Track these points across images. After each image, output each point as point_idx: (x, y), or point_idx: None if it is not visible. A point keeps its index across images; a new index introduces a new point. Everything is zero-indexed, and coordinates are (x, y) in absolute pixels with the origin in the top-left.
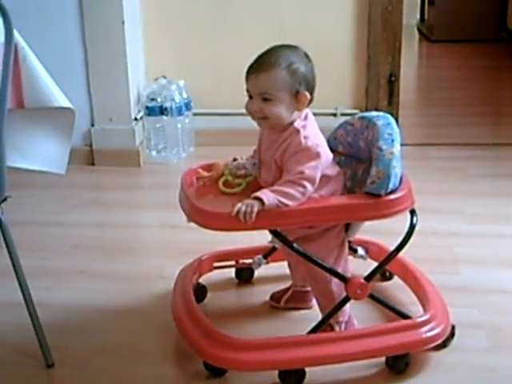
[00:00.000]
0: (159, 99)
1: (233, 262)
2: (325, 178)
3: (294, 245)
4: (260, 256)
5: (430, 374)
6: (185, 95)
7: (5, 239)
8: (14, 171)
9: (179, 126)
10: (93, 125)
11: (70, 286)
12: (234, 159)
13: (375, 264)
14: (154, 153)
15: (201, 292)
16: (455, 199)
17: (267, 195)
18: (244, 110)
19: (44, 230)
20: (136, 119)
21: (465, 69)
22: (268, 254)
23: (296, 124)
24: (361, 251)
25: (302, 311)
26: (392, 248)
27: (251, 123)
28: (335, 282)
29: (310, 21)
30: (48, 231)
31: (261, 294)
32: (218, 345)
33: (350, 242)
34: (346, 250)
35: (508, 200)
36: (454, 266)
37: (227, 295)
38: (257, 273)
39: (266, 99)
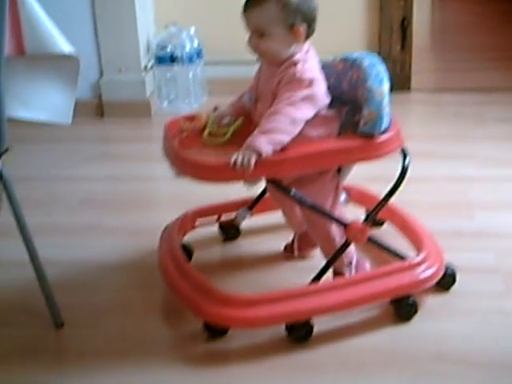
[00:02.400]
0: (169, 48)
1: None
2: (322, 118)
3: (293, 191)
4: (244, 208)
5: (446, 318)
6: (196, 43)
7: (7, 193)
8: (20, 125)
9: (190, 75)
10: (101, 75)
11: (78, 242)
12: (215, 108)
13: (358, 209)
14: (165, 103)
15: (187, 251)
16: (468, 144)
17: (260, 141)
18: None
19: (52, 186)
20: (146, 68)
21: (478, 15)
22: (252, 205)
23: (295, 58)
24: (342, 196)
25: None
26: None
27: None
28: (334, 226)
29: None
30: (56, 186)
31: (248, 247)
32: (219, 303)
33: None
34: (340, 193)
35: None
36: (468, 210)
37: (213, 253)
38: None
39: (261, 34)
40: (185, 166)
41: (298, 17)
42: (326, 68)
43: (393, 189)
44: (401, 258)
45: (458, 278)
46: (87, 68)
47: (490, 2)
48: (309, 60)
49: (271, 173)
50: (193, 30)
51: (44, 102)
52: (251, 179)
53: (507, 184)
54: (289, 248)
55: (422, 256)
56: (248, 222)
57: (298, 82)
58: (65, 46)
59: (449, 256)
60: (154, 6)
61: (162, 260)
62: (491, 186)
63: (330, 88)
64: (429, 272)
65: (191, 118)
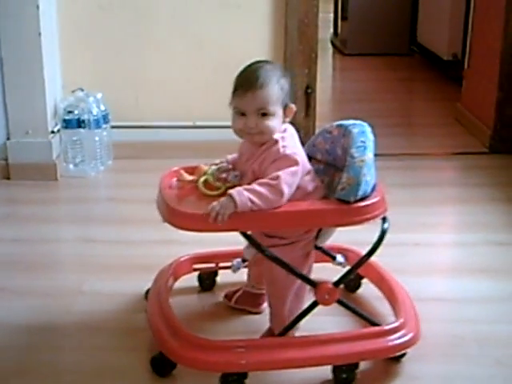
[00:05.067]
0: (76, 112)
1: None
2: (303, 192)
3: (265, 249)
4: (239, 259)
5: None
6: (102, 108)
7: None
8: None
9: (97, 138)
10: (8, 138)
11: None
12: (219, 162)
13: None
14: (71, 166)
15: None
16: None
17: (240, 194)
18: (162, 123)
19: None
20: (53, 132)
21: (378, 81)
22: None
23: (275, 136)
24: (340, 258)
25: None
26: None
27: (169, 136)
28: (292, 293)
29: (227, 34)
30: None
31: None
32: (189, 346)
33: (321, 248)
34: (311, 261)
35: (423, 208)
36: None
37: (190, 300)
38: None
39: (263, 114)
40: (164, 212)
41: (289, 97)
42: (323, 133)
43: (369, 252)
44: (372, 323)
45: None
46: None
47: (389, 69)
48: (287, 137)
49: (244, 227)
50: (100, 95)
51: None
52: (224, 231)
53: (409, 248)
54: (229, 296)
55: (395, 324)
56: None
57: (285, 159)
58: None
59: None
60: (62, 71)
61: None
62: (395, 251)
63: (326, 153)
64: (401, 340)
65: (192, 170)
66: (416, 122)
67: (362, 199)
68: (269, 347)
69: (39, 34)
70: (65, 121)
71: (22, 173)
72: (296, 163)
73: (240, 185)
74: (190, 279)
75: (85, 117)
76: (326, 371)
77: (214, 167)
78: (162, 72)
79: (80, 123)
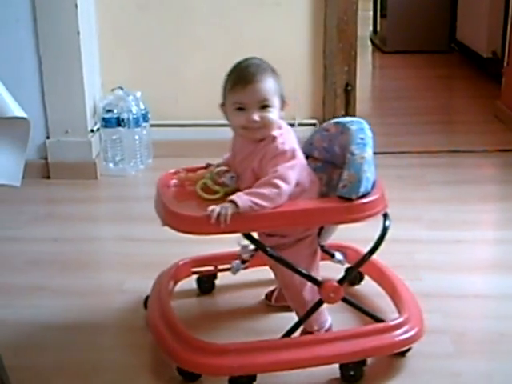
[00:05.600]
0: (116, 110)
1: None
2: (299, 188)
3: (268, 249)
4: (238, 261)
5: (395, 380)
6: (142, 106)
7: None
8: None
9: (136, 137)
10: (48, 137)
11: (25, 303)
12: (218, 165)
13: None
14: (111, 165)
15: None
16: (414, 206)
17: (241, 198)
18: (202, 121)
19: None
20: (92, 131)
21: (417, 79)
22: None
23: (272, 133)
24: (338, 256)
25: (281, 315)
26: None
27: (209, 135)
28: (307, 290)
29: (267, 32)
30: (2, 247)
31: (223, 302)
32: (192, 350)
33: (322, 246)
34: (318, 258)
35: (463, 205)
36: (415, 272)
37: (188, 303)
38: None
39: (265, 106)
40: (164, 215)
41: (282, 90)
42: (321, 131)
43: (371, 250)
44: (376, 319)
45: None
46: (34, 129)
47: (428, 66)
48: (284, 133)
49: (247, 228)
50: (139, 93)
51: None
52: (226, 233)
53: (451, 245)
54: (268, 296)
55: (400, 319)
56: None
57: (283, 155)
58: (17, 111)
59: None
60: (101, 70)
61: (149, 304)
62: (436, 248)
63: (323, 151)
64: (406, 335)
65: (192, 170)
66: (455, 119)
67: (364, 196)
68: (273, 348)
69: (78, 32)
70: (104, 119)
71: (61, 172)
72: (294, 157)
73: (237, 186)
74: (188, 283)
75: (124, 115)
76: (334, 368)
77: (213, 169)
78: (200, 70)
79: (119, 122)
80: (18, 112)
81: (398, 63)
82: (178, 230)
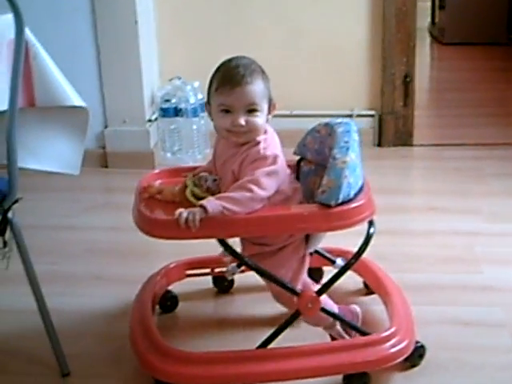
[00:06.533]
0: (174, 100)
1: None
2: (283, 196)
3: (244, 258)
4: (234, 264)
5: (454, 373)
6: (200, 96)
7: (17, 243)
8: (25, 173)
9: (194, 127)
10: (106, 126)
11: (83, 291)
12: (194, 175)
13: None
14: (168, 155)
15: (171, 301)
16: (472, 199)
17: (211, 202)
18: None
19: (56, 234)
20: (150, 121)
21: (475, 71)
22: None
23: (257, 138)
24: (340, 262)
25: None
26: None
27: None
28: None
29: (325, 22)
30: (60, 235)
31: (239, 304)
32: (164, 358)
33: (318, 252)
34: (306, 264)
35: None
36: (476, 265)
37: (201, 305)
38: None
39: (252, 110)
40: (136, 219)
41: (271, 92)
42: (313, 132)
43: (353, 258)
44: (361, 332)
45: (464, 333)
46: (92, 119)
47: (486, 58)
48: (268, 138)
49: (217, 233)
50: (197, 83)
51: (54, 153)
52: (196, 238)
53: None
54: None
55: (389, 332)
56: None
57: (263, 160)
58: (76, 100)
59: (455, 310)
60: (159, 59)
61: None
62: (497, 241)
63: (315, 153)
64: (395, 349)
65: (174, 172)
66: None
67: (345, 203)
68: (247, 359)
69: (136, 22)
70: (162, 109)
71: (119, 161)
72: (275, 164)
73: (220, 190)
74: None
75: (182, 105)
76: (338, 379)
77: (191, 177)
78: (259, 59)
79: (177, 112)
80: (77, 101)
81: (455, 55)
82: (148, 234)
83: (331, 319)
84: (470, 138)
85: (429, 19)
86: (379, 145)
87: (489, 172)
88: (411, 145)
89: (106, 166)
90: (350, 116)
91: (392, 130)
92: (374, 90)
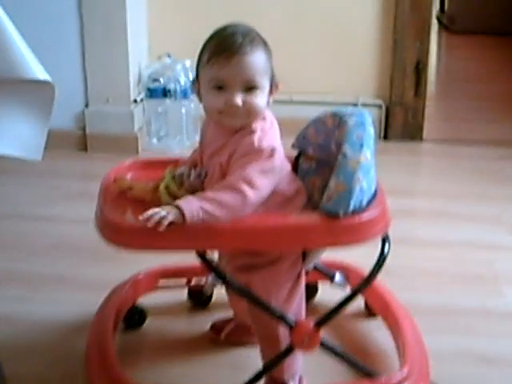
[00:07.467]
0: (162, 80)
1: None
2: (282, 198)
3: (227, 277)
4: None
5: None
6: (191, 77)
7: None
8: None
9: (183, 110)
10: (87, 105)
11: (44, 296)
12: (174, 169)
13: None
14: (154, 140)
15: (139, 315)
16: (492, 205)
17: (190, 203)
18: None
19: (20, 225)
20: (136, 101)
21: (485, 61)
22: None
23: (253, 125)
24: (339, 277)
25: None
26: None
27: None
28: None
29: (330, 1)
30: (24, 226)
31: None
32: None
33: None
34: (302, 284)
35: None
36: (496, 284)
37: (172, 321)
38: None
39: (251, 88)
40: (96, 221)
41: (273, 70)
42: (317, 123)
43: (364, 282)
44: (366, 373)
45: (486, 370)
46: (72, 96)
47: (497, 48)
48: (267, 126)
49: (195, 245)
50: (188, 62)
51: (11, 135)
52: (165, 249)
53: None
54: (216, 328)
55: (400, 376)
56: None
57: (257, 153)
58: (39, 73)
59: (474, 342)
60: (149, 34)
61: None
62: None
63: (318, 148)
64: None
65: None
66: None
67: (355, 212)
68: None
69: None
70: (149, 90)
71: (100, 144)
72: (272, 159)
73: (202, 186)
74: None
75: (171, 86)
76: None
77: (172, 171)
78: None
79: (166, 93)
80: (41, 74)
81: (465, 44)
82: (107, 240)
83: (294, 369)
84: (488, 134)
85: (437, 6)
86: (385, 138)
87: (510, 173)
88: (421, 139)
89: (85, 150)
90: (355, 105)
91: (400, 121)
92: (382, 78)
